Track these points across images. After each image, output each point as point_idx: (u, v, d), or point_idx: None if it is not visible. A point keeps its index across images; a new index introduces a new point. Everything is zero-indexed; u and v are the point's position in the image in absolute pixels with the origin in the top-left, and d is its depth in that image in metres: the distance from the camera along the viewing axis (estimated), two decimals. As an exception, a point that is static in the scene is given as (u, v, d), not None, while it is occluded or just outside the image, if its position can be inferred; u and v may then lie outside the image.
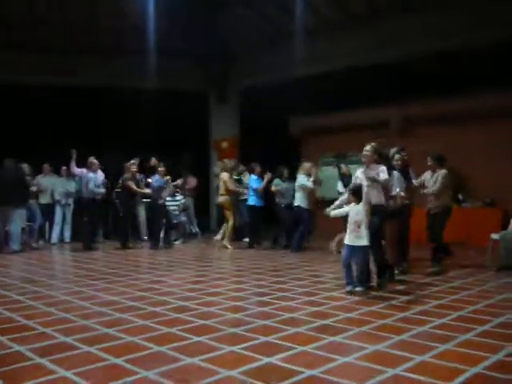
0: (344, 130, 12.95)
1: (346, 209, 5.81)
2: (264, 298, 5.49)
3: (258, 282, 6.46)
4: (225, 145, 14.52)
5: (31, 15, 12.46)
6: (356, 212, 5.64)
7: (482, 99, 10.63)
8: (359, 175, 6.28)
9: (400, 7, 11.00)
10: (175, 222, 11.29)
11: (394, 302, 5.29)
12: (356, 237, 5.59)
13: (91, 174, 10.40)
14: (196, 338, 4.04)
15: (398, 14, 11.10)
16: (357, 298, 5.47)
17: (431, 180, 7.65)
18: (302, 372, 3.31)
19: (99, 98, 13.35)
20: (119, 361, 3.54)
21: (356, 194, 5.74)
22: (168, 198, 11.43)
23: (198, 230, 12.40)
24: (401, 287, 6.15)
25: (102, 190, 10.60)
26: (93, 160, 10.52)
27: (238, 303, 5.30)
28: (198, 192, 12.59)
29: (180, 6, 12.35)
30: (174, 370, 3.40)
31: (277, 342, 3.95)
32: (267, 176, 10.25)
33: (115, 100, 13.11)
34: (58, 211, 11.54)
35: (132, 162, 10.67)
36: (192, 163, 13.23)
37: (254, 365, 3.46)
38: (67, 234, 11.74)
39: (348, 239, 5.66)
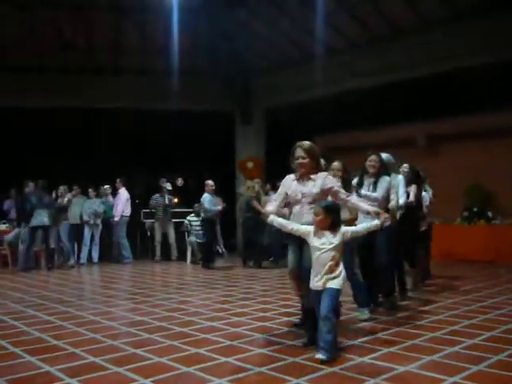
0: (369, 149, 12.89)
1: (302, 228, 4.28)
2: (291, 318, 5.46)
3: (285, 302, 6.43)
4: (250, 165, 14.58)
5: (57, 38, 12.74)
6: (324, 243, 4.09)
7: (509, 115, 10.52)
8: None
9: (423, 26, 10.98)
10: (199, 241, 11.38)
11: (422, 322, 5.22)
12: (328, 278, 4.05)
13: (207, 195, 10.75)
14: (223, 359, 4.03)
15: (420, 33, 11.08)
16: (384, 318, 5.41)
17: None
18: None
19: (126, 119, 13.56)
20: (148, 381, 3.55)
21: (330, 213, 4.13)
22: (194, 218, 11.57)
23: (224, 249, 12.44)
24: (429, 306, 6.07)
25: (217, 209, 10.90)
26: (209, 182, 10.86)
27: (266, 323, 5.28)
28: (223, 212, 12.64)
29: (203, 26, 12.55)
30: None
31: (305, 362, 3.92)
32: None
33: (140, 121, 13.29)
34: (87, 232, 11.70)
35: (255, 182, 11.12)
36: (218, 183, 13.36)
37: (283, 386, 3.44)
38: (95, 255, 11.87)
39: (315, 280, 4.09)
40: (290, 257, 4.65)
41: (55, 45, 12.75)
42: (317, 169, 4.64)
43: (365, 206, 4.70)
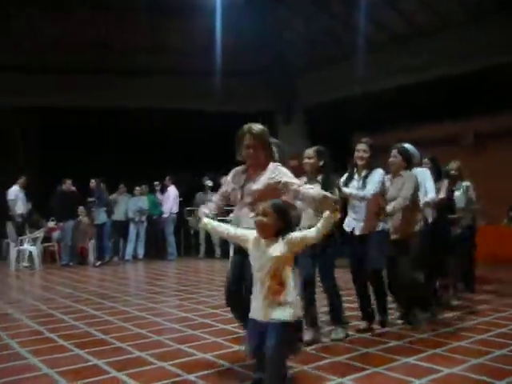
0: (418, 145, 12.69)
1: (240, 233, 3.31)
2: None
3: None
4: (293, 163, 14.51)
5: (97, 39, 12.98)
6: (264, 255, 3.05)
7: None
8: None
9: (469, 18, 10.72)
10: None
11: (469, 324, 5.12)
12: (269, 304, 3.00)
13: None
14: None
15: (466, 26, 10.82)
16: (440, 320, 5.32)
17: (391, 188, 5.02)
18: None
19: (169, 119, 13.70)
20: (191, 377, 3.60)
21: (280, 214, 3.05)
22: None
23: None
24: (476, 308, 5.94)
25: None
26: None
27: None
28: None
29: (245, 25, 12.57)
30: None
31: (350, 362, 3.91)
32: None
33: (183, 121, 13.40)
34: (132, 229, 11.93)
35: None
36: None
37: None
38: (140, 251, 12.09)
39: (255, 309, 3.09)
40: (229, 273, 3.85)
41: (94, 45, 13.01)
42: (268, 159, 3.80)
43: (314, 191, 3.60)
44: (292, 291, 3.02)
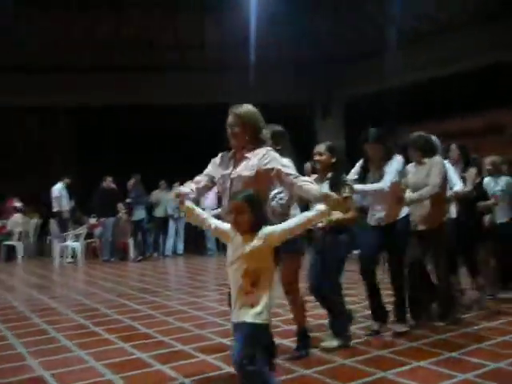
0: (455, 137, 12.44)
1: (221, 227, 2.90)
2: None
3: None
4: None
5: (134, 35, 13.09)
6: (236, 252, 2.74)
7: None
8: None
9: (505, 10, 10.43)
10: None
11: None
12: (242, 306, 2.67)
13: None
14: (312, 350, 4.04)
15: (501, 17, 10.52)
16: (473, 313, 5.23)
17: (414, 176, 4.85)
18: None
19: (207, 115, 13.77)
20: (234, 370, 3.63)
21: (253, 207, 2.70)
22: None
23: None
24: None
25: None
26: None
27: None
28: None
29: (281, 17, 12.50)
30: (291, 380, 3.46)
31: (391, 355, 3.89)
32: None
33: (219, 116, 13.41)
34: (171, 225, 12.07)
35: None
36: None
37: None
38: (180, 247, 12.23)
39: (232, 310, 2.76)
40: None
41: (139, 43, 13.12)
42: (255, 143, 3.38)
43: (314, 187, 3.23)
44: (266, 293, 2.65)
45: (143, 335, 4.68)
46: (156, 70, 13.42)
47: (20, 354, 4.22)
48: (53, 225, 11.59)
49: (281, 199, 3.79)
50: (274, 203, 3.72)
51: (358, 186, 4.30)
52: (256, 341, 2.61)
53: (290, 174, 3.23)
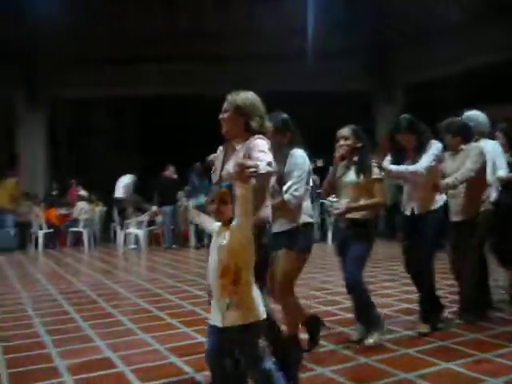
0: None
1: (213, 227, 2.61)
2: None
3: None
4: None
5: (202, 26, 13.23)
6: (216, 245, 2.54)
7: None
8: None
9: None
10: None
11: None
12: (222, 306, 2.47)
13: None
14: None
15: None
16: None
17: (451, 163, 4.54)
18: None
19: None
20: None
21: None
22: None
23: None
24: None
25: None
26: None
27: (410, 306, 5.14)
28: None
29: (339, 4, 12.34)
30: (349, 368, 3.46)
31: (453, 346, 3.81)
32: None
33: (276, 105, 13.35)
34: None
35: None
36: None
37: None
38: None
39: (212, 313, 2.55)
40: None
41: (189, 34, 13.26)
42: (248, 133, 2.97)
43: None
44: (252, 289, 2.48)
45: (205, 320, 4.76)
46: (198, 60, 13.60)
47: (88, 335, 4.38)
48: (116, 212, 11.93)
49: (296, 190, 3.40)
50: (287, 196, 3.38)
51: (392, 167, 4.08)
52: (256, 341, 2.48)
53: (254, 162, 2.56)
